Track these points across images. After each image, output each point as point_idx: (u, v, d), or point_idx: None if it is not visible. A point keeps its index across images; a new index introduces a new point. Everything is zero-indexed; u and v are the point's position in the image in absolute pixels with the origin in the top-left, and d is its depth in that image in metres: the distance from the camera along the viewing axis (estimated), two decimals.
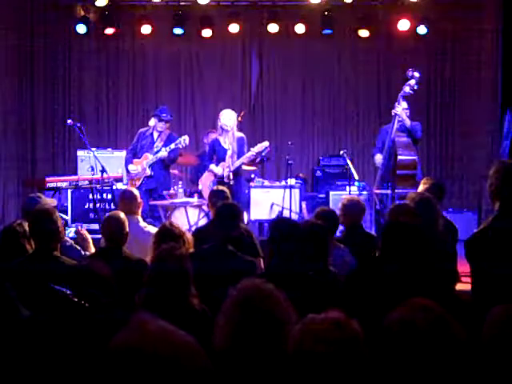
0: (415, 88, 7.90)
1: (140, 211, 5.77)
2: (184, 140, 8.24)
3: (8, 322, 3.03)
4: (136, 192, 5.86)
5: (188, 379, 1.47)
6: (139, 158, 8.40)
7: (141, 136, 8.55)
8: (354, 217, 5.48)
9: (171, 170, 9.15)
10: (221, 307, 2.44)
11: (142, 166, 8.33)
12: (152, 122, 8.55)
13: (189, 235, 4.50)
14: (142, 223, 5.64)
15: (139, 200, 5.78)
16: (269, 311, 2.36)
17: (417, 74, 7.91)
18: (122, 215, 4.69)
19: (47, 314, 3.09)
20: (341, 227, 5.55)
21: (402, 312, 1.99)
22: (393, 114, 7.96)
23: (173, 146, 8.21)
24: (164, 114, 8.43)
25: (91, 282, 3.24)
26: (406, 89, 7.89)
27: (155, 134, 8.45)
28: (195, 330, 3.18)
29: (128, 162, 8.49)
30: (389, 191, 7.69)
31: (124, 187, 8.54)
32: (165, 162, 8.35)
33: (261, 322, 2.33)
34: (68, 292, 3.04)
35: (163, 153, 8.22)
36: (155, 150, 8.32)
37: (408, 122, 7.96)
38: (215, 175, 8.15)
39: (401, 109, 7.91)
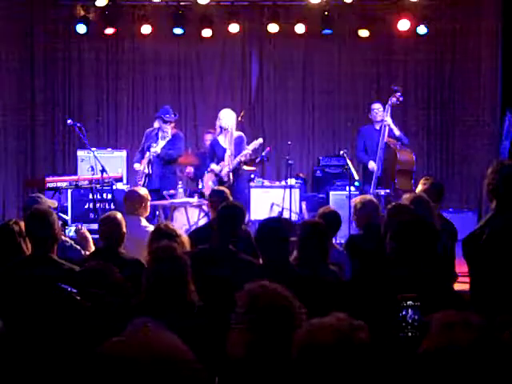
0: (400, 100, 8.27)
1: (145, 212, 5.75)
2: (155, 151, 8.20)
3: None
4: (142, 192, 5.84)
5: None
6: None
7: (147, 136, 8.54)
8: (369, 216, 5.30)
9: None
10: (232, 310, 2.44)
11: (144, 165, 8.33)
12: (156, 124, 8.52)
13: (184, 236, 4.48)
14: (144, 223, 5.63)
15: (144, 201, 5.76)
16: (281, 311, 2.37)
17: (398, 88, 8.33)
18: (119, 216, 4.68)
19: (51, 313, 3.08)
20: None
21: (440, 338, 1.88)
22: (384, 123, 8.24)
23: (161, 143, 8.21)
24: (167, 115, 8.38)
25: (99, 285, 3.24)
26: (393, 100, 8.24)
27: (160, 134, 8.40)
28: (196, 326, 3.21)
29: (135, 162, 8.51)
30: (387, 190, 7.86)
31: (124, 187, 8.55)
32: (163, 159, 8.29)
33: (274, 323, 2.35)
34: (73, 290, 3.03)
35: (155, 149, 8.17)
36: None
37: (397, 132, 8.28)
38: (216, 175, 8.15)
39: (390, 120, 8.23)
